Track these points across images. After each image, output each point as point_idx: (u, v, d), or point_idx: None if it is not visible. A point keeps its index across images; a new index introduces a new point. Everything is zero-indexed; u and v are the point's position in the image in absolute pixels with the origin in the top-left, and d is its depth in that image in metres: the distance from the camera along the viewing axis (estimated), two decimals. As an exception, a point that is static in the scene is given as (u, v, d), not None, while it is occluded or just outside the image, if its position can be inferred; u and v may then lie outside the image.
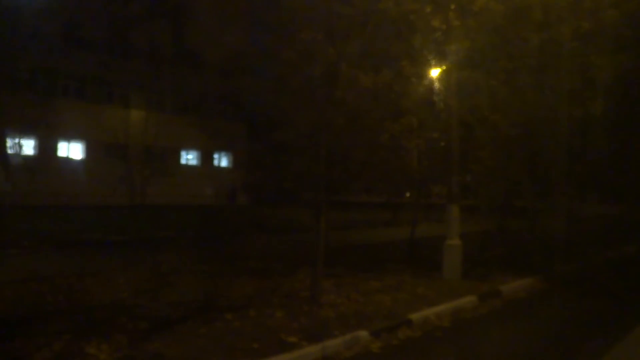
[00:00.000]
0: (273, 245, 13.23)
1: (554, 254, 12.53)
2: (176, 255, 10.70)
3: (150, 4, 26.56)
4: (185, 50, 28.20)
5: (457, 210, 9.50)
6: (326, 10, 9.08)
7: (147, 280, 8.21)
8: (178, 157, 30.45)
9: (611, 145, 15.09)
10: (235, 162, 32.57)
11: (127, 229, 13.95)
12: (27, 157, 18.71)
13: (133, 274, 8.64)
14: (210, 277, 8.67)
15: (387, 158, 11.56)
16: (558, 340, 6.47)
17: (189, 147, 30.82)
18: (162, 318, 6.17)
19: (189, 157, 31.57)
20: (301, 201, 16.19)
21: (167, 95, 28.07)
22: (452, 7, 9.17)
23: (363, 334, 5.96)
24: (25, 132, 16.04)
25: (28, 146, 21.54)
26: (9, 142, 13.97)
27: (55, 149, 25.25)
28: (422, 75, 9.80)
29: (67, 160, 25.69)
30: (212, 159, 32.40)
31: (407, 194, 17.10)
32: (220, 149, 31.42)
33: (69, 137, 25.62)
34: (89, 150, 26.28)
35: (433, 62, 9.47)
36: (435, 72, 9.69)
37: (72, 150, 26.13)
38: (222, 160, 33.44)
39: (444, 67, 9.38)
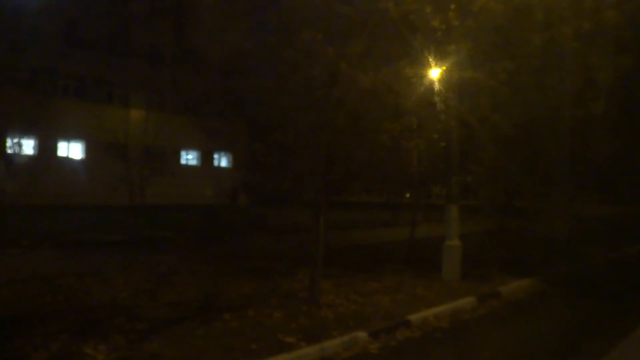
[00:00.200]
0: (272, 245, 13.22)
1: (554, 254, 12.52)
2: (175, 255, 10.70)
3: (151, 4, 26.60)
4: (185, 50, 28.24)
5: (457, 210, 9.48)
6: (326, 10, 9.08)
7: (146, 280, 8.22)
8: (178, 157, 30.44)
9: (612, 145, 15.08)
10: (235, 162, 32.57)
11: (127, 229, 13.95)
12: (26, 157, 18.70)
13: (132, 274, 8.64)
14: (209, 277, 8.67)
15: (387, 158, 11.55)
16: (558, 342, 6.45)
17: (189, 147, 30.81)
18: (161, 318, 6.16)
19: (188, 157, 31.56)
20: (301, 201, 16.19)
21: (167, 95, 28.07)
22: (452, 7, 9.15)
23: (362, 334, 5.95)
24: (25, 132, 16.04)
25: (28, 146, 21.54)
26: (9, 142, 13.95)
27: (55, 149, 25.24)
28: (422, 75, 9.76)
29: (66, 160, 25.69)
30: (212, 159, 32.39)
31: (407, 194, 17.09)
32: (220, 149, 31.41)
33: (68, 137, 25.62)
34: (88, 150, 26.27)
35: (433, 63, 9.44)
36: (435, 73, 9.66)
37: (72, 150, 26.12)
38: (222, 161, 33.43)
39: (444, 68, 9.36)
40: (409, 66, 9.70)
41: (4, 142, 14.41)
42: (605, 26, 11.18)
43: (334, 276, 8.86)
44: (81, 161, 26.05)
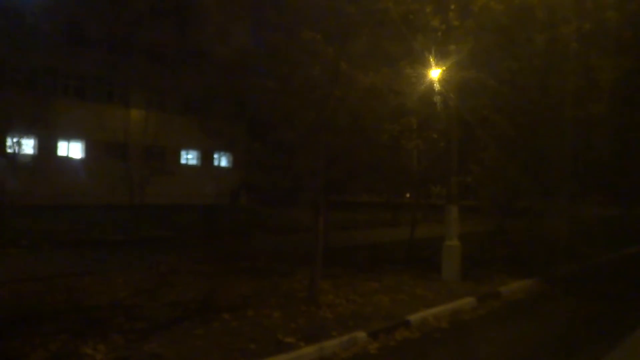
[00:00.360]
0: (272, 245, 13.21)
1: (554, 255, 12.51)
2: (175, 255, 10.71)
3: (151, 3, 26.58)
4: (185, 49, 28.23)
5: (457, 210, 9.48)
6: (326, 9, 9.07)
7: (145, 280, 8.22)
8: (178, 156, 30.43)
9: (613, 146, 15.07)
10: (235, 162, 32.55)
11: (127, 228, 13.94)
12: (26, 156, 18.69)
13: (132, 273, 8.65)
14: (208, 277, 8.67)
15: (387, 158, 11.55)
16: (557, 342, 6.44)
17: (189, 146, 30.80)
18: (160, 318, 6.16)
19: (189, 157, 31.55)
20: (300, 201, 16.18)
21: (168, 95, 28.07)
22: (453, 7, 9.15)
23: (361, 334, 5.95)
24: (25, 131, 16.02)
25: (28, 145, 21.52)
26: (9, 141, 13.93)
27: (55, 148, 25.23)
28: (422, 75, 9.76)
29: (66, 159, 25.68)
30: (212, 158, 32.37)
31: (407, 194, 17.08)
32: (221, 148, 31.39)
33: (68, 136, 25.61)
34: (88, 150, 26.26)
35: (433, 63, 9.43)
36: (435, 73, 9.65)
37: (72, 149, 26.11)
38: (222, 160, 33.42)
39: (445, 68, 9.35)
40: (410, 66, 9.70)
41: (4, 141, 14.39)
42: (605, 27, 11.17)
43: (333, 276, 8.86)
44: (81, 161, 26.05)
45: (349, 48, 8.42)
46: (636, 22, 11.74)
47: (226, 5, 20.16)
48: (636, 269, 13.22)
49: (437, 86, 9.70)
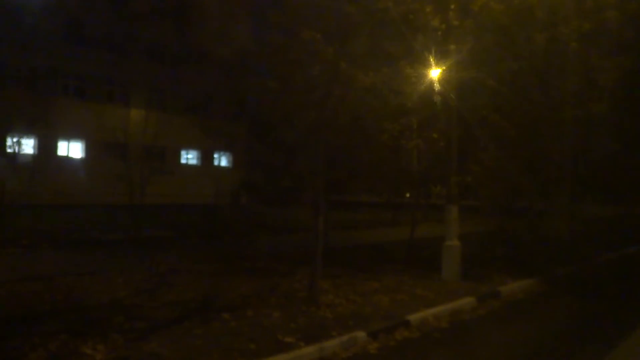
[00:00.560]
0: (272, 245, 13.20)
1: (554, 255, 12.51)
2: (175, 255, 10.70)
3: (152, 3, 26.57)
4: (186, 49, 28.23)
5: (456, 210, 9.47)
6: (326, 8, 9.07)
7: (145, 279, 8.21)
8: (178, 156, 30.41)
9: (613, 146, 15.08)
10: (235, 161, 32.53)
11: (126, 228, 13.93)
12: (26, 156, 18.67)
13: (131, 273, 8.64)
14: (208, 276, 8.67)
15: (387, 158, 11.54)
16: (557, 342, 6.44)
17: (189, 146, 30.78)
18: (160, 318, 6.15)
19: (189, 157, 31.53)
20: (300, 201, 16.17)
21: (168, 94, 28.06)
22: (452, 6, 9.14)
23: (361, 334, 5.94)
24: (25, 131, 16.03)
25: (28, 145, 21.51)
26: (9, 141, 13.94)
27: (55, 148, 25.21)
28: (422, 75, 9.76)
29: (66, 159, 25.66)
30: (212, 158, 32.34)
31: (407, 194, 17.07)
32: (221, 148, 31.36)
33: (68, 136, 25.60)
34: (88, 149, 26.24)
35: (433, 62, 9.43)
36: (435, 72, 9.65)
37: (72, 149, 26.10)
38: (222, 160, 33.40)
39: (444, 67, 9.35)
40: (409, 66, 9.70)
41: (4, 141, 14.40)
42: (606, 27, 11.17)
43: (333, 276, 8.85)
44: (81, 160, 26.04)
45: (349, 48, 8.42)
46: (636, 22, 11.73)
47: (226, 4, 20.16)
48: (636, 269, 13.22)
49: (437, 86, 9.69)
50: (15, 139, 13.77)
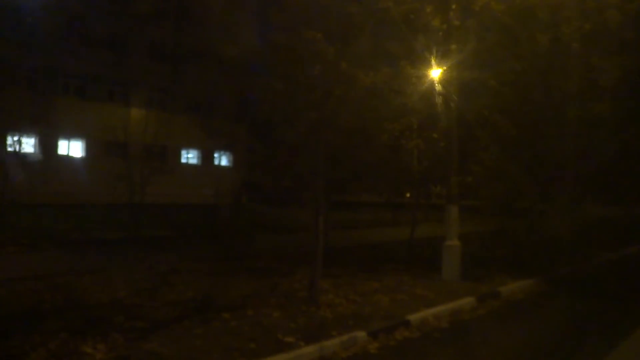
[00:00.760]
0: (272, 244, 13.21)
1: (555, 255, 12.50)
2: (175, 254, 10.71)
3: (153, 2, 26.56)
4: (186, 48, 28.20)
5: (457, 210, 9.47)
6: (328, 8, 9.08)
7: (145, 279, 8.21)
8: (178, 155, 30.41)
9: (615, 146, 15.05)
10: (235, 161, 32.52)
11: (127, 227, 13.93)
12: (27, 155, 18.68)
13: (131, 272, 8.64)
14: (208, 276, 8.67)
15: (388, 158, 11.54)
16: (557, 342, 6.43)
17: (189, 145, 30.78)
18: (160, 317, 6.15)
19: (189, 156, 31.53)
20: (301, 201, 16.15)
21: (168, 94, 28.06)
22: (453, 6, 9.14)
23: (361, 334, 5.94)
24: (25, 130, 16.04)
25: (28, 144, 21.52)
26: (9, 140, 13.95)
27: (55, 147, 25.21)
28: (422, 75, 9.76)
29: (67, 158, 25.66)
30: (212, 158, 32.33)
31: (407, 194, 17.06)
32: (221, 148, 31.35)
33: (69, 135, 25.59)
34: (89, 149, 26.24)
35: (434, 62, 9.43)
36: (436, 73, 9.65)
37: (72, 148, 26.10)
38: (223, 160, 33.39)
39: (445, 67, 9.35)
40: (410, 66, 9.70)
41: (4, 140, 14.41)
42: (607, 27, 11.16)
43: (333, 276, 8.85)
44: (81, 159, 26.03)
45: (350, 47, 8.42)
46: (637, 22, 11.72)
47: (228, 4, 20.15)
48: (636, 269, 13.21)
49: (438, 86, 9.69)
50: (15, 138, 13.77)
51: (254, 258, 10.64)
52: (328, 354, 5.43)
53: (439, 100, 10.05)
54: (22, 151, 14.68)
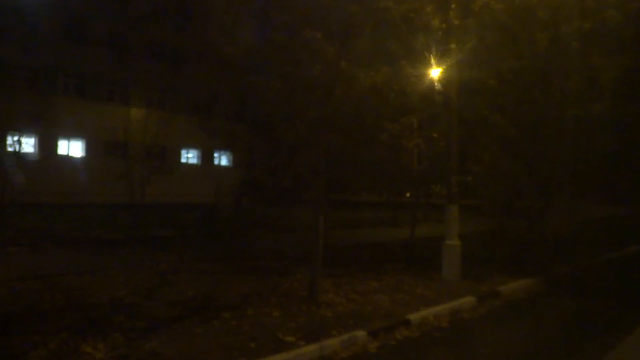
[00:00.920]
0: (272, 244, 13.20)
1: (555, 254, 12.51)
2: (175, 254, 10.70)
3: (153, 2, 26.57)
4: (186, 48, 28.21)
5: (457, 210, 9.47)
6: (328, 8, 9.07)
7: (145, 278, 8.22)
8: (178, 155, 30.43)
9: (614, 146, 15.05)
10: (235, 161, 32.54)
11: (127, 227, 13.94)
12: (27, 155, 18.70)
13: (132, 272, 8.64)
14: (208, 275, 8.67)
15: (387, 157, 11.55)
16: (557, 341, 6.44)
17: (189, 145, 30.80)
18: (160, 317, 6.15)
19: (189, 156, 31.55)
20: (301, 200, 16.16)
21: (168, 94, 28.07)
22: (453, 6, 9.14)
23: (361, 334, 5.94)
24: (25, 130, 16.05)
25: (28, 144, 21.52)
26: (9, 140, 13.95)
27: (55, 147, 25.23)
28: (423, 74, 9.76)
29: (67, 158, 25.68)
30: (212, 157, 32.36)
31: (408, 194, 17.07)
32: (221, 147, 31.38)
33: (69, 135, 25.61)
34: (89, 148, 26.26)
35: (434, 62, 9.43)
36: (436, 72, 9.65)
37: (72, 148, 26.11)
38: (223, 159, 33.42)
39: (445, 67, 9.35)
40: (410, 65, 9.70)
41: (4, 140, 14.41)
42: (606, 26, 11.16)
43: (333, 275, 8.85)
44: (81, 159, 26.05)
45: (350, 47, 8.42)
46: (637, 21, 11.72)
47: (228, 3, 20.15)
48: (636, 268, 13.21)
49: (437, 85, 9.70)
50: (15, 138, 13.77)
51: (254, 257, 10.63)
52: (328, 354, 5.44)
53: (438, 99, 10.06)
54: (22, 151, 14.65)
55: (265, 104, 12.96)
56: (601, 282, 10.84)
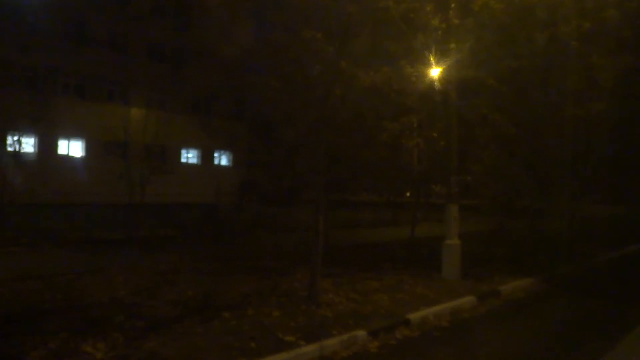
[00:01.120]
0: (272, 244, 13.19)
1: (554, 254, 12.52)
2: (175, 254, 10.70)
3: (153, 2, 26.57)
4: (186, 48, 28.22)
5: (456, 209, 9.47)
6: (327, 8, 9.07)
7: (145, 278, 8.22)
8: (178, 155, 30.43)
9: (613, 145, 15.06)
10: (235, 160, 32.55)
11: (127, 227, 13.92)
12: (27, 155, 18.70)
13: (132, 272, 8.64)
14: (208, 275, 8.67)
15: (387, 157, 11.54)
16: (557, 341, 6.45)
17: (189, 145, 30.80)
18: (160, 316, 6.16)
19: (189, 156, 31.55)
20: (301, 200, 16.16)
21: (168, 93, 28.08)
22: (453, 5, 9.14)
23: (361, 333, 5.94)
24: (25, 130, 16.04)
25: (28, 144, 21.51)
26: (9, 140, 13.94)
27: (55, 147, 25.23)
28: (422, 74, 9.76)
29: (67, 158, 25.68)
30: (212, 157, 32.37)
31: (407, 194, 17.08)
32: (221, 147, 31.39)
33: (69, 135, 25.62)
34: (89, 148, 26.27)
35: (433, 61, 9.43)
36: (435, 71, 9.65)
37: (72, 148, 26.12)
38: (223, 159, 33.42)
39: (445, 66, 9.35)
40: (410, 65, 9.70)
41: (4, 140, 14.40)
42: (605, 26, 11.16)
43: (333, 275, 8.85)
44: (81, 159, 26.06)
45: (349, 47, 8.41)
46: (636, 21, 11.72)
47: (228, 3, 20.15)
48: (636, 268, 13.22)
49: (437, 85, 9.69)
50: (15, 138, 13.75)
51: (253, 257, 10.63)
52: (328, 353, 5.44)
53: (438, 99, 10.05)
54: (22, 151, 14.64)
55: (265, 103, 12.95)
56: (601, 281, 10.85)
